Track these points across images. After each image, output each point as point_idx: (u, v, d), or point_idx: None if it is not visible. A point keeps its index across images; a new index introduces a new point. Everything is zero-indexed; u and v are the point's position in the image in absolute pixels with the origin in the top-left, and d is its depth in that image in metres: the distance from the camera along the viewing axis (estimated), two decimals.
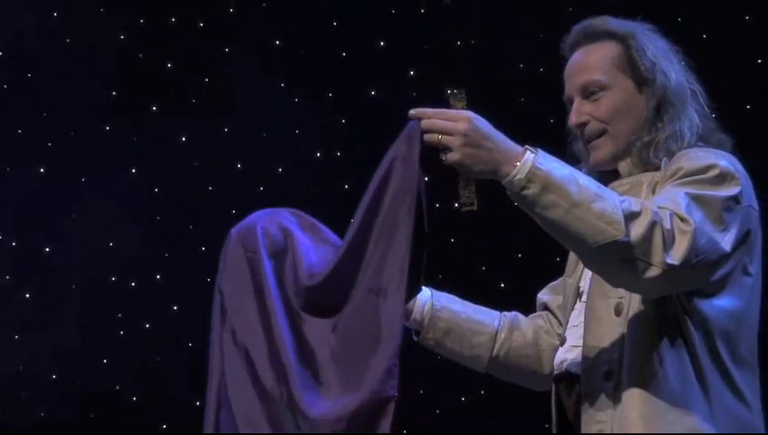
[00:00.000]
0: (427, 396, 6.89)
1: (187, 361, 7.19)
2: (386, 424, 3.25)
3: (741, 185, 3.19)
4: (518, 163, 3.06)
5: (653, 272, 3.02)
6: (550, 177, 3.05)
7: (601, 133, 3.40)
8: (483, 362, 3.68)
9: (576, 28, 3.52)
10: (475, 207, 3.18)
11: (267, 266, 3.52)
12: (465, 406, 6.93)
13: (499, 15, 6.78)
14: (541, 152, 3.08)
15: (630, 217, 3.01)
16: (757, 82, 6.50)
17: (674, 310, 3.22)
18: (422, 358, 6.59)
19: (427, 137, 3.15)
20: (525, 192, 3.05)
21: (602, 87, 3.41)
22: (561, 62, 3.57)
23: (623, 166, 3.41)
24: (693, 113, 3.37)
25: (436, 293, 3.68)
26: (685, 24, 6.39)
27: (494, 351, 3.68)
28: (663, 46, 3.44)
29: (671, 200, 3.09)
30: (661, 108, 3.36)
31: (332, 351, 3.42)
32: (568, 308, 3.58)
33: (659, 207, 3.05)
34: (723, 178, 3.18)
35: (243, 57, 7.18)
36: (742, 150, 3.42)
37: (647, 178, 3.32)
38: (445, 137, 3.12)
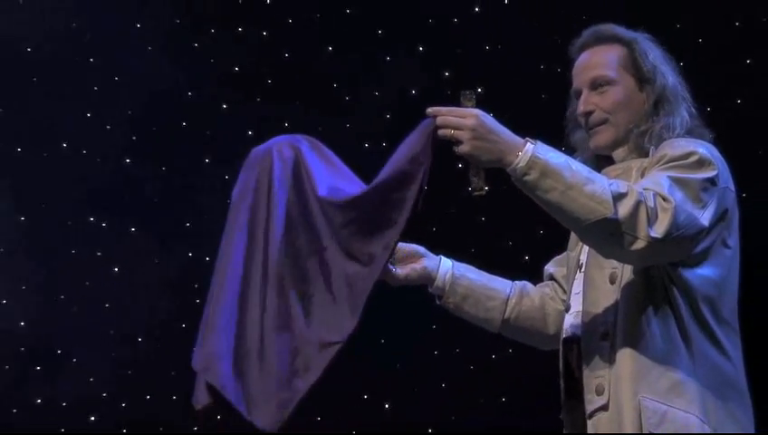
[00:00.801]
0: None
1: None
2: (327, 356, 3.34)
3: (717, 169, 3.24)
4: (520, 153, 3.14)
5: (639, 244, 3.09)
6: (547, 164, 3.12)
7: (603, 121, 3.49)
8: (496, 323, 3.74)
9: (586, 32, 3.60)
10: (484, 192, 3.27)
11: (277, 179, 3.56)
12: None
13: (519, 23, 6.77)
14: (540, 143, 3.17)
15: (618, 197, 3.08)
16: (745, 79, 6.48)
17: (661, 279, 3.28)
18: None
19: (441, 132, 3.23)
20: (526, 178, 3.14)
21: (609, 82, 3.49)
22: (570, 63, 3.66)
23: (619, 152, 3.49)
24: (684, 111, 3.44)
25: (457, 263, 3.74)
26: (679, 31, 6.42)
27: (506, 314, 3.73)
28: (661, 53, 3.53)
29: (655, 183, 3.16)
30: (659, 104, 3.44)
31: (316, 270, 3.47)
32: (570, 278, 3.63)
33: (644, 189, 3.12)
34: (701, 163, 3.24)
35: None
36: (727, 141, 3.52)
37: (636, 163, 3.40)
38: (456, 131, 3.21)
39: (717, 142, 3.48)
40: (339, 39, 7.09)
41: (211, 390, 3.42)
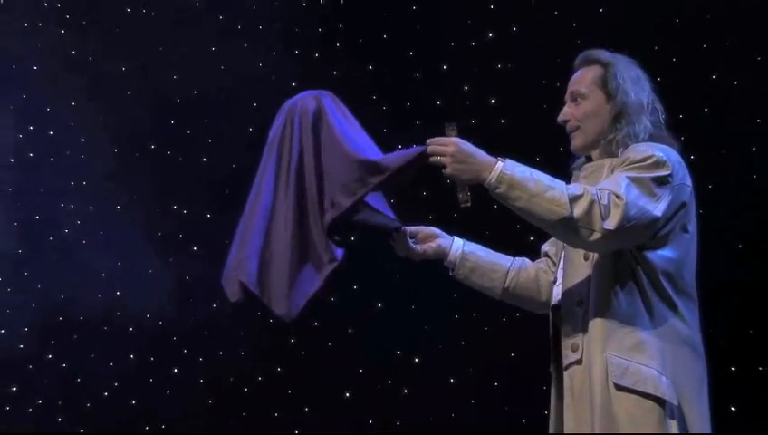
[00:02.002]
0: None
1: None
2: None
3: (671, 169, 3.28)
4: (492, 171, 3.25)
5: (596, 236, 3.17)
6: (513, 177, 3.22)
7: (576, 129, 3.56)
8: (497, 291, 3.83)
9: (580, 55, 3.65)
10: (469, 204, 3.41)
11: (296, 126, 3.65)
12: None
13: (525, 47, 6.72)
14: (508, 161, 3.27)
15: (574, 199, 3.16)
16: (711, 92, 6.39)
17: (627, 257, 3.32)
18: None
19: (431, 158, 3.34)
20: (498, 191, 3.24)
21: (582, 96, 3.56)
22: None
23: (594, 153, 3.56)
24: (647, 121, 3.46)
25: (467, 242, 3.83)
26: (657, 52, 6.33)
27: (506, 284, 3.81)
28: (635, 74, 3.56)
29: (614, 183, 3.22)
30: (620, 115, 3.48)
31: (315, 204, 3.60)
32: (558, 255, 3.70)
33: (601, 189, 3.20)
34: (657, 164, 3.28)
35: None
36: (695, 142, 3.74)
37: (607, 162, 3.46)
38: (441, 157, 3.33)
39: (686, 143, 3.56)
40: (379, 58, 7.09)
41: (241, 285, 3.57)
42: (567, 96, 3.64)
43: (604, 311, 3.32)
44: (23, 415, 6.96)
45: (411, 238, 3.82)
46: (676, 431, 3.22)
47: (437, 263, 6.57)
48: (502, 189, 3.25)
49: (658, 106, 3.58)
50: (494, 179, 3.27)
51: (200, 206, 7.11)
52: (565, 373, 3.43)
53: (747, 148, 6.39)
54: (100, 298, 6.97)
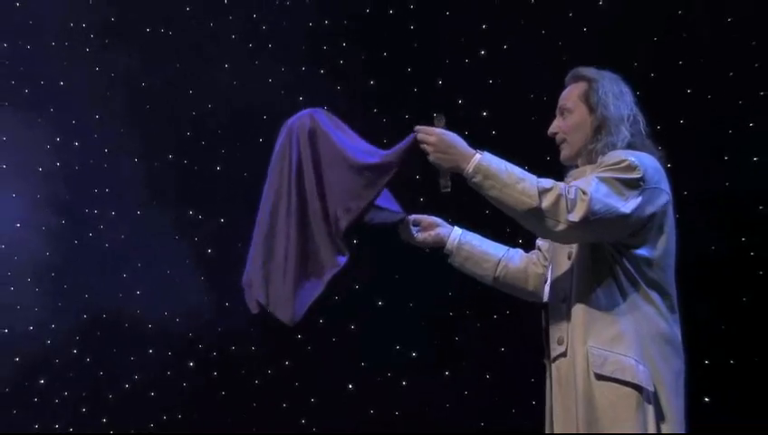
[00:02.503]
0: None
1: None
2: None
3: (643, 172, 3.30)
4: (469, 162, 3.33)
5: (561, 227, 3.21)
6: (489, 169, 3.28)
7: (563, 141, 3.62)
8: (489, 279, 3.89)
9: (570, 72, 3.68)
10: (449, 190, 3.50)
11: (295, 144, 3.74)
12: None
13: (514, 63, 6.68)
14: (486, 154, 3.34)
15: (543, 191, 3.21)
16: (687, 105, 6.38)
17: (607, 256, 3.36)
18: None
19: (421, 145, 3.45)
20: (474, 180, 3.32)
21: (568, 110, 3.60)
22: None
23: (579, 162, 3.60)
24: (626, 132, 3.49)
25: (465, 232, 3.91)
26: (637, 68, 6.23)
27: (497, 273, 3.87)
28: (618, 89, 3.58)
29: (586, 182, 3.27)
30: (600, 127, 3.52)
31: (317, 212, 3.71)
32: (550, 252, 3.75)
33: (571, 186, 3.25)
34: (628, 167, 3.31)
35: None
36: (671, 150, 3.67)
37: (589, 168, 3.48)
38: (425, 145, 3.43)
39: (663, 151, 3.59)
40: (379, 74, 7.07)
41: (257, 301, 3.73)
42: (557, 110, 3.68)
43: (585, 306, 3.35)
44: (49, 406, 6.98)
45: (415, 226, 3.89)
46: (652, 417, 3.24)
47: (434, 265, 6.65)
48: (477, 179, 3.31)
49: (640, 118, 3.60)
50: (471, 169, 3.33)
51: (214, 211, 7.12)
52: (553, 365, 3.47)
53: (720, 156, 6.40)
54: (121, 297, 6.99)
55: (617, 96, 3.57)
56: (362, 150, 3.73)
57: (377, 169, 3.62)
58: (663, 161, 3.53)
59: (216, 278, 6.89)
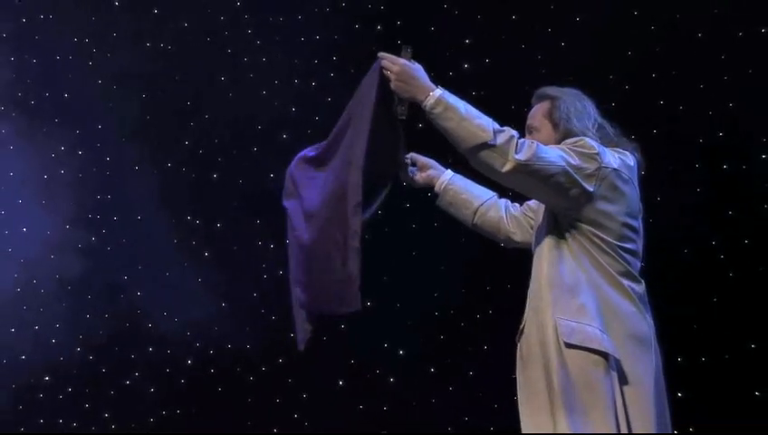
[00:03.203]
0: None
1: None
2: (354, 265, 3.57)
3: (596, 150, 3.35)
4: (430, 94, 3.34)
5: (508, 166, 3.24)
6: (449, 103, 3.31)
7: None
8: (468, 223, 3.93)
9: (535, 92, 3.72)
10: (404, 118, 3.53)
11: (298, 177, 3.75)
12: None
13: (498, 75, 6.65)
14: (446, 90, 3.38)
15: (498, 131, 3.27)
16: (658, 116, 6.43)
17: (567, 237, 3.41)
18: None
19: (384, 72, 3.45)
20: (433, 111, 3.33)
21: (535, 129, 3.62)
22: None
23: None
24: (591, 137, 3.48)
25: (456, 176, 3.93)
26: (612, 81, 6.41)
27: (474, 219, 3.90)
28: (580, 104, 3.60)
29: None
30: (566, 139, 3.49)
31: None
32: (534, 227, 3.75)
33: (528, 139, 3.35)
34: (584, 145, 3.38)
35: None
36: (648, 160, 3.66)
37: None
38: (388, 72, 3.45)
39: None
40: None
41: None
42: (525, 129, 3.67)
43: (551, 283, 3.38)
44: (54, 402, 6.93)
45: (413, 166, 3.88)
46: (617, 383, 3.27)
47: (420, 268, 6.61)
48: (437, 110, 3.32)
49: (606, 124, 3.60)
50: (431, 101, 3.34)
51: (211, 216, 7.11)
52: (518, 345, 3.51)
53: (691, 164, 6.42)
54: (122, 298, 6.96)
55: (579, 110, 3.58)
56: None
57: (362, 110, 3.57)
58: (638, 152, 3.57)
59: (213, 280, 6.89)
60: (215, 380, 6.96)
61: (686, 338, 6.23)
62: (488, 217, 3.92)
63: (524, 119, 6.72)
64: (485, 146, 3.25)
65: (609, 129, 3.60)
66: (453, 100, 3.35)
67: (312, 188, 3.73)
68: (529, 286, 3.49)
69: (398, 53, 3.50)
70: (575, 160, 3.33)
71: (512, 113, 6.27)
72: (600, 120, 3.60)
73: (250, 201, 6.97)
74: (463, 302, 6.68)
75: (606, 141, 3.53)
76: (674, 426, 6.15)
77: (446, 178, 3.92)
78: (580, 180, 3.32)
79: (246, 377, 6.95)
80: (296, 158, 3.83)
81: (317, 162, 3.78)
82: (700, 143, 6.38)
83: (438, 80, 6.68)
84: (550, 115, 3.59)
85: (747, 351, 6.17)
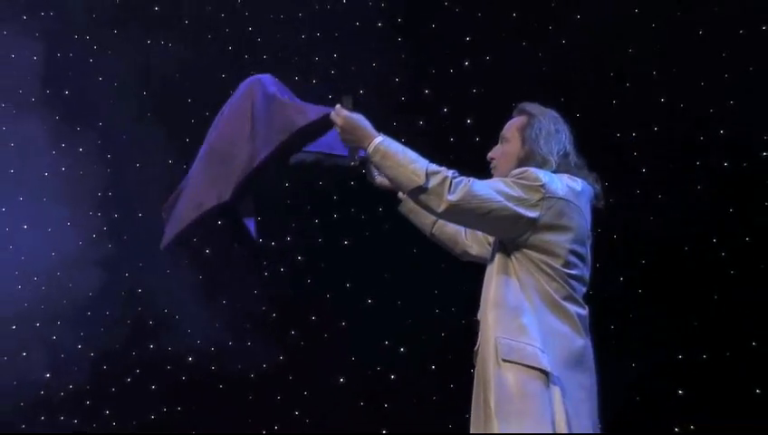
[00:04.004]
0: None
1: None
2: None
3: (541, 181, 3.42)
4: (371, 142, 3.46)
5: (441, 207, 3.36)
6: (387, 150, 3.42)
7: (495, 167, 3.71)
8: (427, 232, 4.06)
9: (519, 105, 3.77)
10: (356, 164, 3.70)
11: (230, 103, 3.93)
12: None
13: (498, 72, 6.71)
14: (387, 137, 3.49)
15: (431, 173, 3.36)
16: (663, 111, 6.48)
17: (514, 262, 3.48)
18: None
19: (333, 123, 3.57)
20: (373, 159, 3.47)
21: (506, 140, 3.70)
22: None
23: None
24: (553, 166, 3.58)
25: None
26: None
27: (433, 229, 4.03)
28: (553, 127, 3.66)
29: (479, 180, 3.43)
30: (526, 159, 3.59)
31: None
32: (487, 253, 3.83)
33: (464, 178, 3.40)
34: (528, 177, 3.45)
35: None
36: (609, 167, 3.77)
37: None
38: (336, 126, 3.55)
39: (602, 168, 3.71)
40: (368, 84, 6.92)
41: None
42: (499, 137, 3.75)
43: (496, 304, 3.46)
44: (55, 399, 6.93)
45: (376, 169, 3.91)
46: (557, 396, 3.33)
47: (421, 266, 6.61)
48: (376, 159, 3.47)
49: (572, 153, 3.66)
50: (371, 150, 3.47)
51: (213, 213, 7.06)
52: (477, 355, 3.57)
53: (692, 162, 6.43)
54: (123, 295, 6.97)
55: (550, 133, 3.64)
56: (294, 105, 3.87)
57: (287, 123, 3.77)
58: (598, 183, 3.64)
59: (214, 276, 6.90)
60: (216, 377, 6.96)
61: (687, 335, 6.25)
62: (446, 230, 4.05)
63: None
64: (420, 189, 3.38)
65: (572, 158, 3.66)
66: (392, 146, 3.45)
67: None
68: (483, 306, 3.57)
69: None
70: (516, 192, 3.42)
71: (512, 110, 6.44)
72: (568, 147, 3.67)
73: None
74: (464, 299, 6.61)
75: (564, 169, 3.61)
76: (675, 423, 6.19)
77: None
78: (521, 211, 3.41)
79: (247, 374, 6.94)
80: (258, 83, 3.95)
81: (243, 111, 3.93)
82: (701, 141, 6.40)
83: (439, 77, 6.92)
84: (522, 130, 3.67)
85: (748, 348, 6.19)
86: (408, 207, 4.03)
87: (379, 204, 6.82)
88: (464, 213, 3.40)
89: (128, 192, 7.04)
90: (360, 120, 3.56)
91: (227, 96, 4.12)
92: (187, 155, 6.56)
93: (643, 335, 6.33)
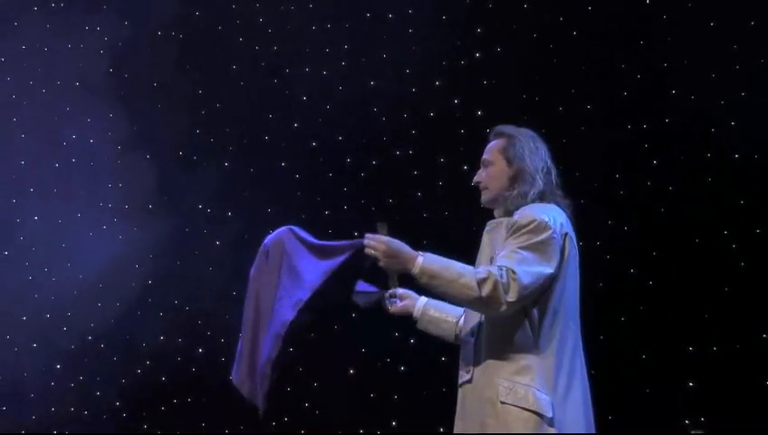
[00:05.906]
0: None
1: None
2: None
3: (552, 228, 3.52)
4: (414, 264, 3.52)
5: (502, 308, 3.42)
6: (432, 270, 3.48)
7: (485, 188, 3.78)
8: (451, 338, 4.04)
9: (493, 130, 3.85)
10: (397, 287, 3.92)
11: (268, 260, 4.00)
12: None
13: (509, 63, 6.72)
14: (428, 255, 3.54)
15: (481, 282, 3.41)
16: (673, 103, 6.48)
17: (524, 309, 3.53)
18: None
19: (366, 250, 3.62)
20: (420, 280, 3.52)
21: (490, 163, 3.77)
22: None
23: (497, 211, 3.79)
24: (539, 182, 3.70)
25: (430, 300, 4.07)
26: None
27: (456, 331, 4.00)
28: (533, 145, 3.75)
29: (509, 258, 3.48)
30: (515, 178, 3.70)
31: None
32: None
33: (500, 266, 3.45)
34: (539, 228, 3.52)
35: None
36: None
37: (504, 221, 3.66)
38: (375, 253, 3.60)
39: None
40: (379, 76, 7.08)
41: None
42: (481, 162, 3.83)
43: (497, 343, 3.55)
44: (67, 390, 6.99)
45: (393, 298, 4.06)
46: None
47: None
48: (423, 280, 3.51)
49: (552, 170, 3.76)
50: (416, 271, 3.52)
51: (223, 205, 7.14)
52: (459, 390, 3.67)
53: (703, 154, 6.42)
54: (134, 286, 7.00)
55: (531, 151, 3.73)
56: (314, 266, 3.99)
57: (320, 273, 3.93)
58: (570, 208, 3.72)
59: (224, 268, 6.88)
60: (225, 368, 6.93)
61: (697, 328, 6.25)
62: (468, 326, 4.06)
63: (535, 108, 6.77)
64: (477, 299, 3.43)
65: (554, 175, 3.76)
66: (435, 264, 3.51)
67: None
68: (478, 339, 3.64)
69: (374, 228, 3.68)
70: (543, 257, 3.51)
71: (523, 102, 6.49)
72: (549, 164, 3.76)
73: (262, 191, 7.03)
74: None
75: (548, 188, 3.71)
76: (685, 415, 6.18)
77: (421, 304, 4.09)
78: (555, 271, 3.52)
79: None
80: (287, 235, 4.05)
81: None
82: (712, 133, 6.39)
83: (451, 69, 6.94)
84: (505, 152, 3.74)
85: (759, 341, 6.18)
86: (425, 323, 4.09)
87: (385, 195, 6.87)
88: (523, 302, 3.47)
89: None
90: (399, 244, 3.60)
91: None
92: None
93: (654, 327, 6.33)
